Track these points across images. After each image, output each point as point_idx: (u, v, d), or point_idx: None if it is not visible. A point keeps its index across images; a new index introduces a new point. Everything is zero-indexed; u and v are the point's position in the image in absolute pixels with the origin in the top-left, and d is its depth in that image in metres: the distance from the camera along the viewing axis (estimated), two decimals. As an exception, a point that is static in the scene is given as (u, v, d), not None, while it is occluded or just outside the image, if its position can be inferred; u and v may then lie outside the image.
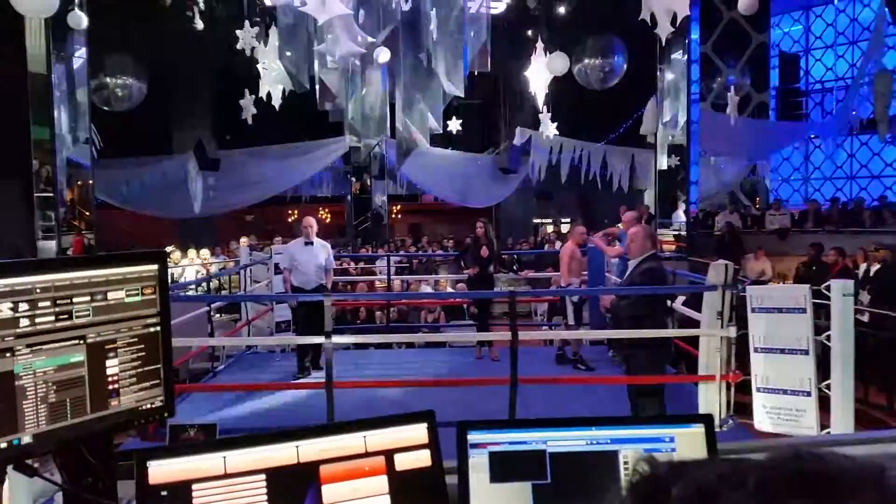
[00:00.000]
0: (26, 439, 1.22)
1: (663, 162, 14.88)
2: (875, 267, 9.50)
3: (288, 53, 10.30)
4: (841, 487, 0.52)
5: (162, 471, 1.21)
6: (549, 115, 11.64)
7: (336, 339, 6.02)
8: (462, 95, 10.51)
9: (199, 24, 10.85)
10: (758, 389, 5.30)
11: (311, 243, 7.23)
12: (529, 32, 14.30)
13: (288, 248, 7.61)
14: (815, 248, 10.68)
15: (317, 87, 11.13)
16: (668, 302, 7.20)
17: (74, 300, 1.28)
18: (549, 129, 11.78)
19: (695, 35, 14.83)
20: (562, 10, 14.83)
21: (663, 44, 8.87)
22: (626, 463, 1.33)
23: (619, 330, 5.27)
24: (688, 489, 0.55)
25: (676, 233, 14.33)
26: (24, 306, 1.21)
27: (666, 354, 5.43)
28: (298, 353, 7.41)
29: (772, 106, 16.66)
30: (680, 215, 14.39)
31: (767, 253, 12.42)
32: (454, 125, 13.31)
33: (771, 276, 11.58)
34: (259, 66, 10.75)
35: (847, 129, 14.47)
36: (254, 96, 10.81)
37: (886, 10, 12.79)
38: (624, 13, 7.00)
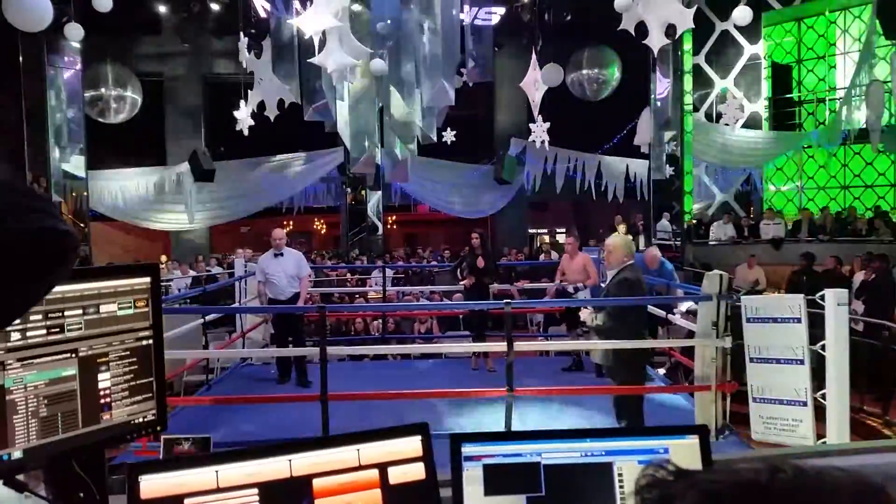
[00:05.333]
0: (16, 454, 1.21)
1: (657, 172, 14.97)
2: (870, 277, 9.51)
3: (281, 64, 10.33)
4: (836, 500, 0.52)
5: (154, 485, 1.20)
6: (548, 124, 11.68)
7: (331, 350, 6.01)
8: (452, 103, 10.55)
9: None
10: (753, 399, 5.30)
11: (281, 254, 7.30)
12: (524, 43, 14.39)
13: (259, 262, 7.70)
14: (807, 257, 10.72)
15: (310, 98, 11.14)
16: (665, 313, 7.23)
17: (66, 313, 1.28)
18: (543, 136, 11.82)
19: (687, 46, 14.96)
20: (556, 21, 14.93)
21: (655, 55, 8.92)
22: (620, 475, 1.32)
23: (602, 341, 5.26)
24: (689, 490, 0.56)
25: (666, 242, 14.37)
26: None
27: (643, 365, 5.43)
28: (280, 361, 7.59)
29: (765, 116, 16.73)
30: (665, 225, 14.42)
31: (762, 262, 12.45)
32: (449, 136, 13.33)
33: (765, 286, 11.59)
34: (255, 78, 10.77)
35: (840, 139, 14.55)
36: (250, 108, 10.82)
37: (877, 21, 12.90)
38: (618, 24, 7.03)
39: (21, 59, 11.64)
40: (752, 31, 15.63)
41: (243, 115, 11.00)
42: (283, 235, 7.49)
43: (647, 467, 0.63)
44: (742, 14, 8.61)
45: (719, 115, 15.59)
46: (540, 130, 11.52)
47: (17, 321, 1.20)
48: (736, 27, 14.24)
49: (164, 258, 15.39)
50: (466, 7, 11.85)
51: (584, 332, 7.51)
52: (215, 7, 15.09)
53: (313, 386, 6.74)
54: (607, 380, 6.53)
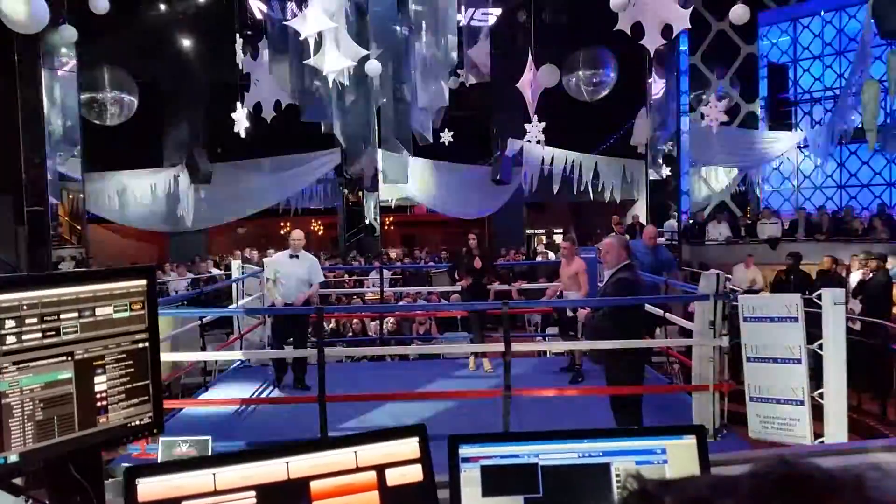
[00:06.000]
0: (13, 458, 1.21)
1: (654, 172, 15.00)
2: (868, 276, 9.53)
3: (278, 66, 10.32)
4: (824, 492, 0.53)
5: (151, 488, 1.20)
6: (543, 124, 11.70)
7: (329, 351, 6.00)
8: (447, 104, 10.56)
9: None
10: (751, 399, 5.30)
11: (297, 256, 7.15)
12: (520, 44, 14.39)
13: (273, 260, 7.50)
14: (794, 256, 10.74)
15: (304, 101, 11.14)
16: (663, 312, 7.23)
17: (62, 316, 1.27)
18: (538, 136, 11.83)
19: (684, 47, 14.99)
20: (552, 21, 14.94)
21: (652, 56, 8.92)
22: (618, 476, 1.32)
23: (599, 341, 5.26)
24: (679, 499, 0.56)
25: (674, 243, 14.40)
26: (10, 323, 1.20)
27: (641, 365, 5.43)
28: (277, 365, 7.39)
29: (761, 116, 16.78)
30: (673, 224, 14.44)
31: (758, 262, 12.46)
32: (446, 137, 13.32)
33: (762, 286, 11.61)
34: (252, 79, 10.76)
35: (836, 138, 14.58)
36: (246, 109, 10.81)
37: (872, 21, 12.93)
38: (614, 24, 7.03)
39: (16, 60, 11.62)
40: (748, 31, 15.67)
41: (240, 117, 10.99)
42: (302, 237, 7.33)
43: (627, 477, 0.63)
44: (740, 13, 8.61)
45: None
46: (535, 130, 11.53)
47: (13, 324, 1.20)
48: (732, 27, 14.25)
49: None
50: (463, 8, 11.87)
51: (573, 336, 7.53)
52: (212, 8, 15.07)
53: (311, 388, 6.73)
54: (596, 381, 6.56)
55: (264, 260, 8.19)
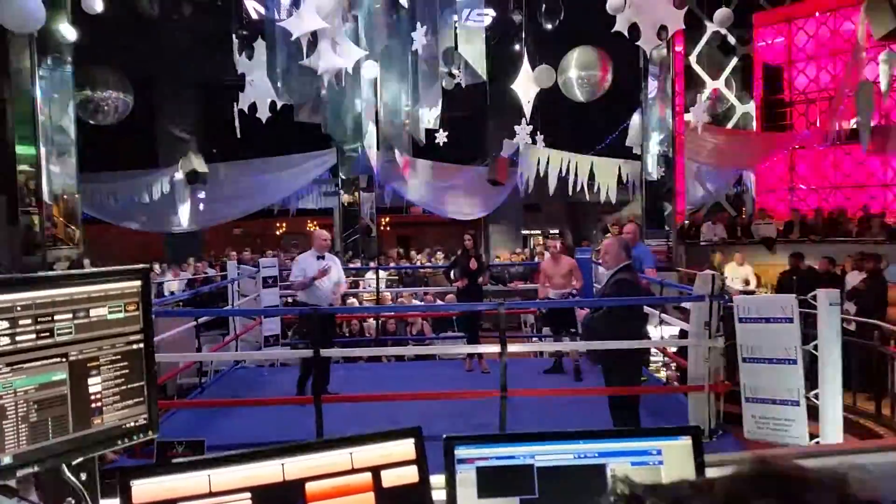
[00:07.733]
0: (6, 460, 1.20)
1: (650, 173, 15.01)
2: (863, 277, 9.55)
3: (274, 66, 10.30)
4: (801, 492, 0.54)
5: (146, 490, 1.19)
6: (530, 127, 11.74)
7: (325, 352, 6.00)
8: (438, 106, 10.57)
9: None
10: (747, 399, 5.31)
11: (323, 257, 6.76)
12: (516, 45, 14.40)
13: (300, 262, 6.89)
14: (796, 257, 10.74)
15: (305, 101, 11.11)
16: (659, 313, 7.25)
17: (56, 317, 1.27)
18: (526, 139, 11.89)
19: (679, 47, 15.01)
20: (548, 22, 14.93)
21: (648, 56, 8.95)
22: (613, 476, 1.32)
23: (598, 341, 5.27)
24: (660, 501, 0.58)
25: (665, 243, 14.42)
26: (3, 324, 1.19)
27: (639, 365, 5.45)
28: (303, 374, 6.70)
29: (756, 117, 16.81)
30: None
31: (754, 262, 12.49)
32: (441, 137, 13.33)
33: (756, 285, 11.64)
34: (246, 80, 10.75)
35: (831, 139, 14.60)
36: (241, 109, 10.80)
37: (867, 22, 12.98)
38: (610, 25, 7.05)
39: (10, 60, 11.58)
40: (743, 33, 15.70)
41: (234, 117, 10.98)
42: (329, 237, 6.98)
43: (616, 482, 0.65)
44: (722, 17, 8.72)
45: (715, 117, 15.64)
46: (523, 133, 11.59)
47: (7, 325, 1.20)
48: (727, 28, 14.27)
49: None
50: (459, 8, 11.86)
51: (573, 333, 7.54)
52: (208, 8, 15.04)
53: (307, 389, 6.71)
54: (592, 382, 6.56)
55: (298, 258, 7.55)
